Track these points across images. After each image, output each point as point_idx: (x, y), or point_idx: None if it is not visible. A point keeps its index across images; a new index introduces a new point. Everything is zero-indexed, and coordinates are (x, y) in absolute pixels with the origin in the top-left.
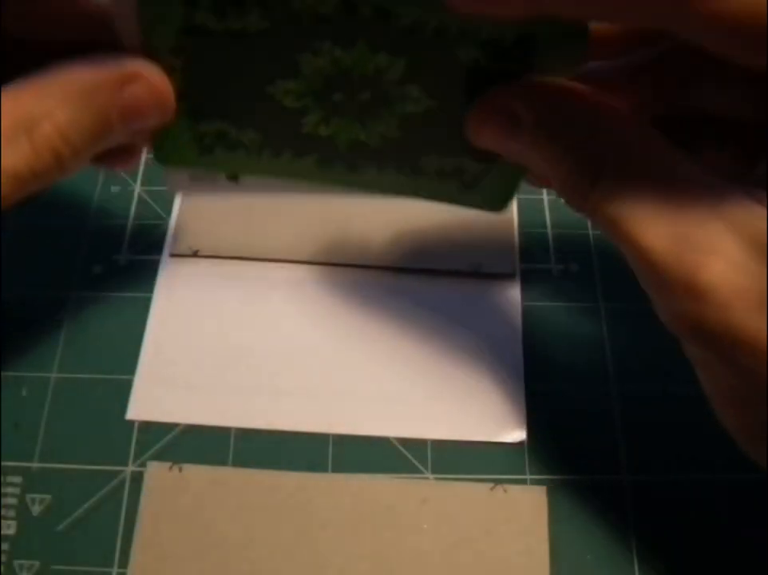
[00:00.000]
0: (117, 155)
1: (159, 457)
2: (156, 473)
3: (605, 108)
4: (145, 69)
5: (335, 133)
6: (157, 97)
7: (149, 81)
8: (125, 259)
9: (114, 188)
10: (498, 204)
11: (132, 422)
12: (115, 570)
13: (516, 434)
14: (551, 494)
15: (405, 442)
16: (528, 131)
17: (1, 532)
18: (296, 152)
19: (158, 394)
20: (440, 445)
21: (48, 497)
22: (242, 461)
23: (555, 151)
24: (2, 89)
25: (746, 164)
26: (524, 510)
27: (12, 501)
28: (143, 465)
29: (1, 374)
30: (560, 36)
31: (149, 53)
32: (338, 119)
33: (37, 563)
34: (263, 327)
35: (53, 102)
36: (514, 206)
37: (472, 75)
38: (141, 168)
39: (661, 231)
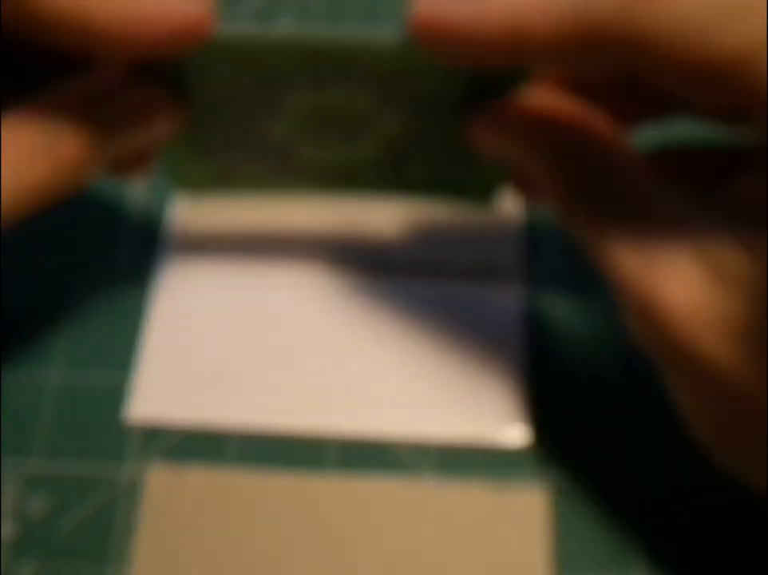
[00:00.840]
0: (132, 163)
1: (159, 457)
2: (156, 475)
3: (589, 131)
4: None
5: (327, 155)
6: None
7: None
8: (125, 259)
9: (114, 188)
10: (483, 200)
11: (132, 423)
12: (115, 570)
13: (518, 435)
14: (552, 496)
15: (405, 442)
16: (522, 145)
17: (1, 532)
18: (297, 170)
19: (158, 394)
20: (440, 445)
21: (48, 497)
22: (242, 462)
23: (543, 167)
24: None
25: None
26: (525, 512)
27: (12, 501)
28: (143, 465)
29: (2, 374)
30: (505, 72)
31: None
32: (326, 142)
33: (37, 563)
34: (263, 328)
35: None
36: (516, 205)
37: (432, 100)
38: None
39: (633, 258)
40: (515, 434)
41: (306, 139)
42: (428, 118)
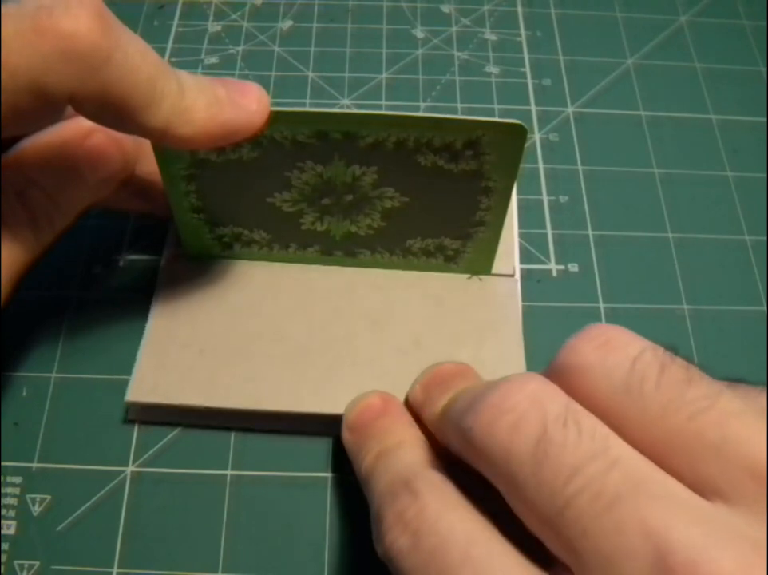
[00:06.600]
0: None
1: (159, 457)
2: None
3: None
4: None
5: (329, 229)
6: (116, 143)
7: (107, 132)
8: (125, 259)
9: None
10: (480, 270)
11: (132, 422)
12: (115, 570)
13: None
14: None
15: None
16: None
17: (2, 532)
18: (300, 244)
19: (157, 382)
20: None
21: (48, 497)
22: (240, 463)
23: None
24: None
25: None
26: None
27: (12, 501)
28: (143, 465)
29: (1, 374)
30: (500, 135)
31: (168, 180)
32: (329, 217)
33: (37, 563)
34: (263, 327)
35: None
36: (514, 206)
37: (434, 174)
38: None
39: None
40: None
41: (312, 213)
42: (422, 197)
